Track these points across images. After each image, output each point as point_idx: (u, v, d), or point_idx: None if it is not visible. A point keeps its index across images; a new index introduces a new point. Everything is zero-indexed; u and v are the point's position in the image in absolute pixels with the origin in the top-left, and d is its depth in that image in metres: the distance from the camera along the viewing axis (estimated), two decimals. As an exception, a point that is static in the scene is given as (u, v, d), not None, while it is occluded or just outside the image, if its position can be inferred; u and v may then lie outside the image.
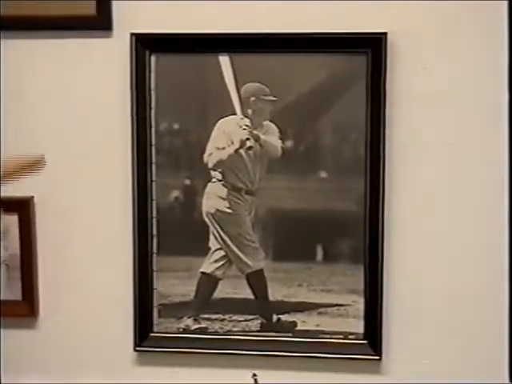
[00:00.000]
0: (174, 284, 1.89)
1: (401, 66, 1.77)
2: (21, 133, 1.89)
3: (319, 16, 1.76)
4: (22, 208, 1.89)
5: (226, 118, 1.83)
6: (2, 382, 1.90)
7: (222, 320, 1.90)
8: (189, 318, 1.90)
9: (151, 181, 1.86)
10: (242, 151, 1.83)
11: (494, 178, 1.77)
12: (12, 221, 1.90)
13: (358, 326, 1.85)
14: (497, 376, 1.81)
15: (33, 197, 1.90)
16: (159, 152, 1.86)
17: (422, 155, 1.79)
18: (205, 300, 1.88)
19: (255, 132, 1.82)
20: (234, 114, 1.83)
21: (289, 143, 1.82)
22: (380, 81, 1.77)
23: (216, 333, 1.90)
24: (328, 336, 1.88)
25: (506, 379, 1.83)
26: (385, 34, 1.74)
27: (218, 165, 1.84)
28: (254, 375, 1.72)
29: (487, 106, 1.76)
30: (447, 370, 1.86)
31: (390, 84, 1.76)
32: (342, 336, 1.87)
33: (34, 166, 1.64)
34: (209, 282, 1.88)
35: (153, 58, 1.83)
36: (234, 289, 1.88)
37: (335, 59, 1.79)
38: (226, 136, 1.83)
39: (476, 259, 1.82)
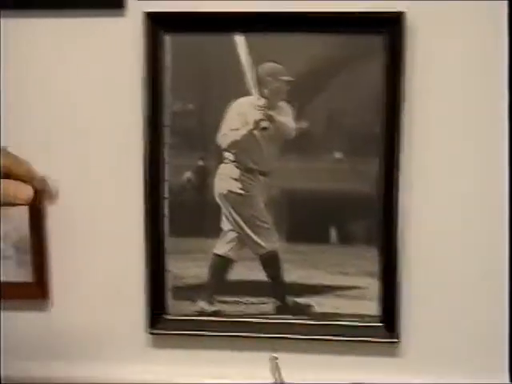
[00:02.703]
0: (188, 266, 1.87)
1: (418, 46, 1.73)
2: (27, 114, 1.87)
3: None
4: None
5: (241, 99, 1.80)
6: (13, 364, 1.91)
7: (237, 302, 1.87)
8: (203, 300, 1.88)
9: (164, 162, 1.83)
10: (256, 132, 1.80)
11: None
12: (23, 202, 1.87)
13: (375, 309, 1.83)
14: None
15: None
16: (173, 133, 1.83)
17: (439, 138, 1.76)
18: (219, 282, 1.87)
19: (270, 112, 1.79)
20: (250, 94, 1.79)
21: (303, 123, 1.79)
22: (397, 61, 1.73)
23: (231, 315, 1.88)
24: (345, 319, 1.85)
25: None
26: (402, 13, 1.71)
27: (232, 146, 1.82)
28: (275, 358, 1.68)
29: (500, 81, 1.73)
30: (464, 352, 1.85)
31: (407, 65, 1.73)
32: (358, 319, 1.84)
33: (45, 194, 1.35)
34: (222, 263, 1.86)
35: (167, 38, 1.81)
36: (248, 270, 1.86)
37: (352, 39, 1.76)
38: (241, 117, 1.81)
39: (494, 240, 1.80)
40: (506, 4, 1.69)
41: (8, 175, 1.12)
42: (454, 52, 1.75)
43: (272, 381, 1.75)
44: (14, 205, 1.13)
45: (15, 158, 1.15)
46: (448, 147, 1.77)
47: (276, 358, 1.71)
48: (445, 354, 1.85)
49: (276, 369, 1.69)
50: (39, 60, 1.86)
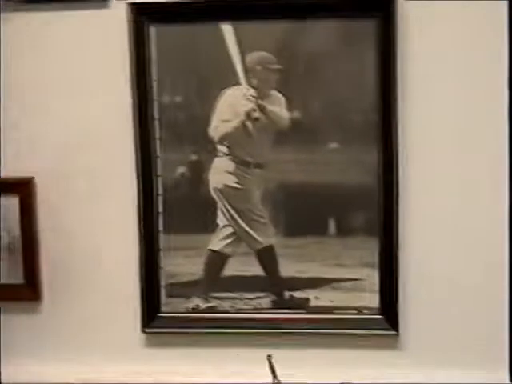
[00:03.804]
0: (182, 263, 1.84)
1: (410, 29, 1.69)
2: (20, 107, 1.83)
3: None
4: (23, 189, 1.83)
5: (231, 89, 1.76)
6: (5, 368, 1.87)
7: (233, 298, 1.84)
8: (198, 297, 1.84)
9: (155, 156, 1.79)
10: (248, 123, 1.76)
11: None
12: (13, 202, 1.82)
13: (373, 301, 1.80)
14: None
15: (33, 177, 1.82)
16: (163, 126, 1.79)
17: (437, 125, 1.72)
18: (214, 278, 1.83)
19: (261, 102, 1.75)
20: (239, 84, 1.74)
21: (297, 113, 1.74)
22: (390, 46, 1.70)
23: (226, 311, 1.85)
24: (342, 312, 1.82)
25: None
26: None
27: (224, 138, 1.77)
28: (269, 356, 1.65)
29: (499, 64, 1.69)
30: (463, 343, 1.81)
31: (400, 50, 1.69)
32: (356, 311, 1.81)
33: None
34: (218, 259, 1.82)
35: (152, 29, 1.76)
36: (244, 266, 1.82)
37: (343, 24, 1.72)
38: (232, 108, 1.76)
39: (494, 230, 1.76)
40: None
41: None
42: (448, 36, 1.71)
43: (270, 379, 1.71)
44: None
45: None
46: (446, 133, 1.73)
47: (269, 356, 1.66)
48: (444, 347, 1.82)
49: (271, 368, 1.65)
50: (20, 54, 1.81)
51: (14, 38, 1.80)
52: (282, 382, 1.67)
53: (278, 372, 1.65)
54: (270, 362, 1.63)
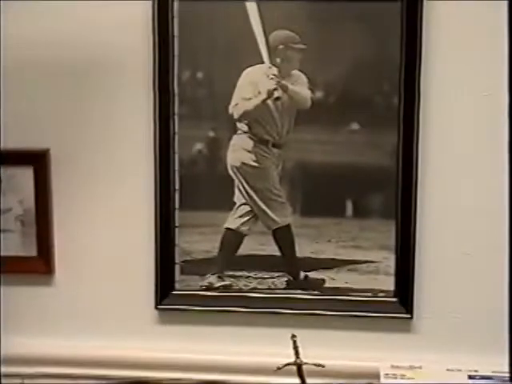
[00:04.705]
0: (197, 240, 1.82)
1: (435, 11, 1.67)
2: (34, 83, 1.82)
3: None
4: (38, 161, 1.81)
5: (253, 67, 1.75)
6: (17, 340, 1.86)
7: (247, 277, 1.84)
8: (212, 275, 1.84)
9: (174, 133, 1.78)
10: (269, 102, 1.75)
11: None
12: (27, 174, 1.81)
13: (389, 284, 1.80)
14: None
15: (48, 149, 1.80)
16: (182, 102, 1.77)
17: (457, 108, 1.72)
18: (229, 256, 1.82)
19: (283, 82, 1.74)
20: (261, 62, 1.74)
21: (319, 94, 1.74)
22: (415, 29, 1.68)
23: (240, 290, 1.84)
24: (357, 294, 1.82)
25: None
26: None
27: (244, 116, 1.76)
28: (294, 336, 1.64)
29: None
30: (477, 328, 1.81)
31: (424, 32, 1.68)
32: (371, 294, 1.81)
33: None
34: (234, 237, 1.81)
35: (176, 4, 1.73)
36: (260, 245, 1.82)
37: (368, 5, 1.70)
38: (253, 86, 1.75)
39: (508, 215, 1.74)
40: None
41: None
42: (473, 21, 1.70)
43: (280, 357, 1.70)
44: None
45: None
46: (468, 117, 1.73)
47: (294, 336, 1.65)
48: (458, 331, 1.82)
49: (294, 348, 1.64)
50: (41, 27, 1.80)
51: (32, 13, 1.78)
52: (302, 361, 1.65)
53: (299, 352, 1.63)
54: (294, 342, 1.62)
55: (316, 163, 1.77)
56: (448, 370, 1.76)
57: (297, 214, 1.80)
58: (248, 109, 1.75)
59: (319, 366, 1.63)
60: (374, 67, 1.73)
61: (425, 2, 1.67)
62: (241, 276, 1.84)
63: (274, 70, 1.74)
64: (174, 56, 1.76)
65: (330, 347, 1.81)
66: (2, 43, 1.76)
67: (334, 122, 1.75)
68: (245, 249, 1.82)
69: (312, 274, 1.82)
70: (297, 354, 1.62)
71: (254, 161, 1.78)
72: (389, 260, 1.79)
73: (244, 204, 1.80)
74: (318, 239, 1.79)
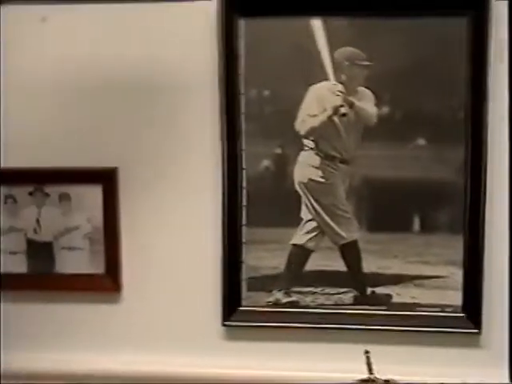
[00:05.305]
0: (264, 256, 1.83)
1: (501, 29, 1.68)
2: (106, 103, 1.85)
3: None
4: (106, 179, 1.83)
5: (319, 84, 1.76)
6: (86, 357, 1.88)
7: (314, 293, 1.84)
8: (279, 291, 1.84)
9: (241, 150, 1.79)
10: (335, 118, 1.76)
11: None
12: (96, 192, 1.83)
13: (456, 299, 1.80)
14: None
15: (117, 168, 1.83)
16: (249, 120, 1.79)
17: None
18: (296, 273, 1.83)
19: (349, 98, 1.75)
20: (327, 79, 1.75)
21: (385, 109, 1.75)
22: (482, 44, 1.69)
23: (307, 306, 1.84)
24: (425, 309, 1.81)
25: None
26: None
27: (311, 132, 1.77)
28: (367, 352, 1.64)
29: None
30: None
31: (491, 50, 1.70)
32: (439, 309, 1.80)
33: None
34: (300, 253, 1.82)
35: (241, 22, 1.75)
36: (327, 261, 1.82)
37: (433, 22, 1.71)
38: (319, 102, 1.76)
39: None
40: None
41: None
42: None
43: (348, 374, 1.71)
44: None
45: None
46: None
47: (367, 352, 1.65)
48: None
49: (368, 364, 1.64)
50: (103, 43, 1.83)
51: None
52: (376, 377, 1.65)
53: (373, 368, 1.63)
54: (367, 358, 1.62)
55: (383, 179, 1.78)
56: (518, 385, 1.75)
57: (363, 229, 1.80)
58: (314, 125, 1.77)
59: (389, 381, 1.62)
60: (440, 82, 1.72)
61: (493, 16, 1.66)
62: (307, 292, 1.84)
63: (340, 87, 1.75)
64: (240, 74, 1.76)
65: (399, 363, 1.79)
66: (77, 64, 1.78)
67: (400, 138, 1.75)
68: (311, 265, 1.83)
69: (379, 290, 1.82)
70: (370, 370, 1.62)
71: (321, 177, 1.79)
72: (456, 275, 1.79)
73: (311, 220, 1.81)
74: (384, 255, 1.79)
